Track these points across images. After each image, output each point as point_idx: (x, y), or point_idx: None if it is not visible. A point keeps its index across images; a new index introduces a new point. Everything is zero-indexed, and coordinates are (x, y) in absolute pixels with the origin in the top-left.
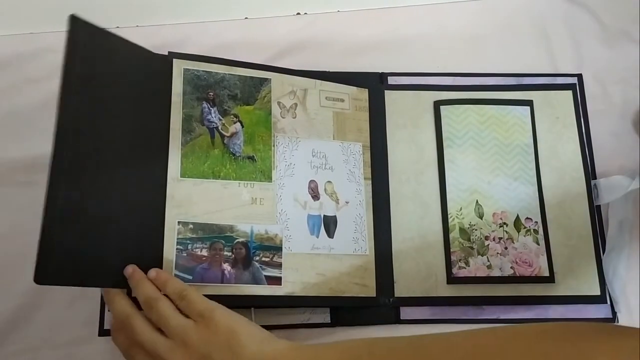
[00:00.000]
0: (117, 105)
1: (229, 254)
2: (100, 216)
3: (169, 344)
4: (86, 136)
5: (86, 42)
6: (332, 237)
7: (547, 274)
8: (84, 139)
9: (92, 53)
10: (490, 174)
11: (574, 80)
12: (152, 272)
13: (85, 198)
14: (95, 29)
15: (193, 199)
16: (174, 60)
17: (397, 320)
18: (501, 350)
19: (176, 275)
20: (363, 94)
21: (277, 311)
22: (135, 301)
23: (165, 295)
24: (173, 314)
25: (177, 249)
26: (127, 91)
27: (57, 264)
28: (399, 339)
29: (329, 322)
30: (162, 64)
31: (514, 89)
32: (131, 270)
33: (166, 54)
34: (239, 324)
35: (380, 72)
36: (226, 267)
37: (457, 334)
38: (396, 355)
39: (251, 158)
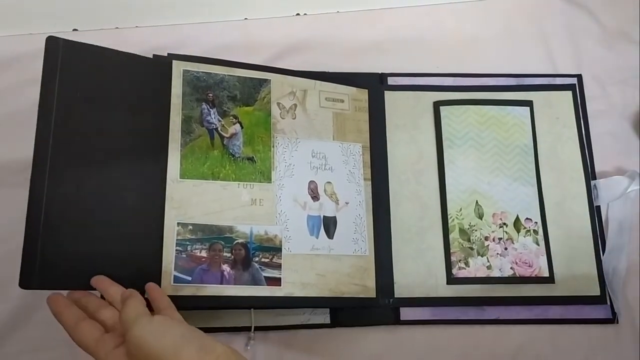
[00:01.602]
0: (114, 109)
1: (229, 254)
2: (99, 218)
3: None
4: (75, 140)
5: (66, 59)
6: (332, 238)
7: (546, 274)
8: (72, 143)
9: (74, 66)
10: (490, 174)
11: (574, 80)
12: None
13: (83, 200)
14: (75, 45)
15: (192, 200)
16: (174, 61)
17: (397, 321)
18: None
19: (175, 277)
20: (363, 94)
21: (277, 312)
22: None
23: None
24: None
25: (176, 250)
26: (124, 95)
27: (42, 268)
28: None
29: (329, 323)
30: (161, 65)
31: (513, 90)
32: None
33: (165, 55)
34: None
35: (380, 72)
36: (226, 268)
37: None
38: None
39: (251, 159)
